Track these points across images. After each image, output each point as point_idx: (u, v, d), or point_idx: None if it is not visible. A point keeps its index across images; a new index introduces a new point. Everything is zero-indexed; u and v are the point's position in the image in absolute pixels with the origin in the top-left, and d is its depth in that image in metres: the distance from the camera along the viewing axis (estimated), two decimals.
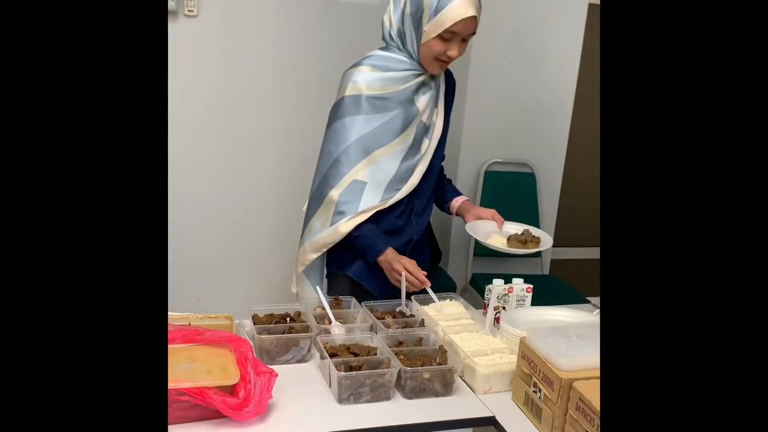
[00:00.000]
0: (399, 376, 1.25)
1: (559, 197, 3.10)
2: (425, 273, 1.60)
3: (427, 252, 1.84)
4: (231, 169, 2.74)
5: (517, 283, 1.58)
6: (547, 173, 3.03)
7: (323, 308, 1.50)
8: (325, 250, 1.67)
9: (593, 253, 3.33)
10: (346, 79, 1.62)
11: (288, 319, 1.46)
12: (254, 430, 1.12)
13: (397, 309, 1.56)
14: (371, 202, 1.62)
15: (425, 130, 1.68)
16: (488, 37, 2.72)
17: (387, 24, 1.62)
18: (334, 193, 1.61)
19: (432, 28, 1.52)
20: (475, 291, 2.82)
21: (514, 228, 1.77)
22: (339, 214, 1.62)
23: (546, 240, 1.73)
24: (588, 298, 1.80)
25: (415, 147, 1.66)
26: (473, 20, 1.52)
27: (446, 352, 1.32)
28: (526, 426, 1.21)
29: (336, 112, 1.63)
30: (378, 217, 1.65)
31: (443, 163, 1.86)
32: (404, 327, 1.45)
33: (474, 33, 1.57)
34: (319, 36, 2.64)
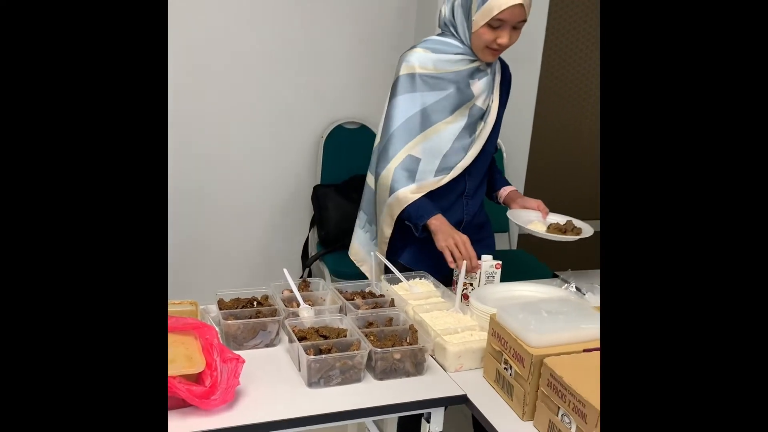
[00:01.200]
0: (369, 358, 1.24)
1: (526, 173, 3.10)
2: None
3: (489, 239, 1.87)
4: (192, 151, 2.68)
5: (486, 259, 1.57)
6: (514, 149, 3.03)
7: (291, 291, 1.47)
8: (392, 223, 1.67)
9: None
10: (401, 60, 1.67)
11: (255, 303, 1.43)
12: (222, 418, 1.10)
13: (367, 289, 1.54)
14: (427, 178, 1.64)
15: (481, 113, 1.70)
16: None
17: (442, 12, 1.66)
18: (390, 167, 1.64)
19: (480, 17, 1.55)
20: None
21: (558, 219, 1.79)
22: (396, 182, 1.63)
23: (587, 230, 1.73)
24: (556, 272, 1.80)
25: (469, 128, 1.68)
26: (520, 8, 1.53)
27: (416, 331, 1.31)
28: (497, 403, 1.21)
29: (392, 92, 1.68)
30: (429, 193, 1.66)
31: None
32: (374, 307, 1.43)
33: (524, 20, 1.58)
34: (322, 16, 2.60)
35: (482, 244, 1.79)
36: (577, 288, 1.56)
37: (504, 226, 2.99)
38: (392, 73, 2.84)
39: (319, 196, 2.85)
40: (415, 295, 1.49)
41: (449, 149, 1.66)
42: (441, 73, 1.63)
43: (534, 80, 2.99)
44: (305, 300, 1.44)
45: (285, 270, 1.53)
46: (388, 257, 1.71)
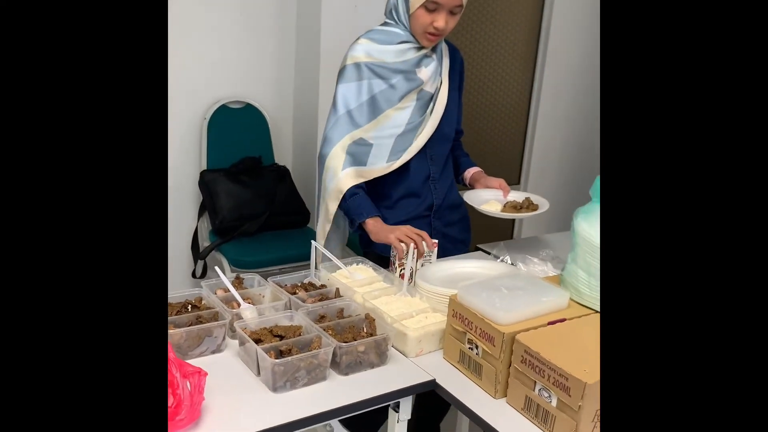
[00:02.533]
0: (333, 354, 1.18)
1: None
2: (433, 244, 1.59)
3: (465, 220, 1.86)
4: None
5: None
6: None
7: (226, 290, 1.36)
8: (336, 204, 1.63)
9: None
10: (346, 52, 1.66)
11: (190, 307, 1.31)
12: None
13: (306, 280, 1.47)
14: (376, 164, 1.63)
15: (430, 98, 1.68)
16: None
17: (388, 1, 1.67)
18: (336, 151, 1.62)
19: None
20: (352, 251, 2.78)
21: (517, 197, 1.78)
22: (338, 166, 1.62)
23: (543, 205, 1.74)
24: (479, 246, 1.83)
25: (419, 112, 1.66)
26: None
27: (374, 319, 1.26)
28: (466, 384, 1.20)
29: (338, 81, 1.66)
30: (395, 180, 1.68)
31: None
32: (321, 299, 1.37)
33: (461, 6, 1.58)
34: None
35: (458, 226, 1.81)
36: (512, 262, 1.59)
37: None
38: (277, 48, 2.74)
39: (207, 181, 2.68)
40: (359, 282, 1.44)
41: (401, 132, 1.64)
42: (388, 63, 1.62)
43: None
44: (244, 298, 1.34)
45: (217, 268, 1.41)
46: (364, 248, 1.70)
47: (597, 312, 1.23)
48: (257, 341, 1.17)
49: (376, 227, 1.58)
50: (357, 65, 1.63)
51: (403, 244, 1.50)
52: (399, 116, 1.64)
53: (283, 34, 2.84)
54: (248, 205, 2.65)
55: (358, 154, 1.62)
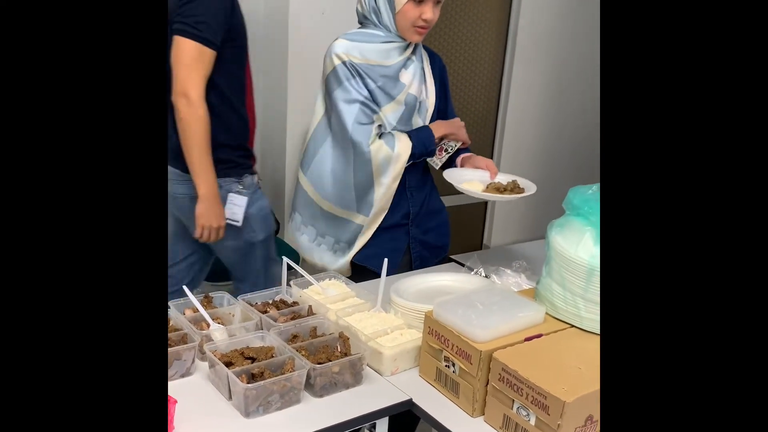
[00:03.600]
0: (308, 375, 1.15)
1: None
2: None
3: (444, 226, 1.87)
4: None
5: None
6: None
7: (194, 309, 1.32)
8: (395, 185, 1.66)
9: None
10: (326, 57, 1.62)
11: None
12: None
13: (277, 297, 1.43)
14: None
15: (414, 101, 1.67)
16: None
17: (359, 7, 1.65)
18: (376, 141, 1.61)
19: None
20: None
21: (503, 178, 1.73)
22: (390, 146, 1.61)
23: (530, 188, 1.69)
24: (452, 257, 1.82)
25: (405, 117, 1.66)
26: None
27: (348, 338, 1.23)
28: (443, 403, 1.18)
29: (330, 86, 1.62)
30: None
31: None
32: (293, 317, 1.33)
33: None
34: None
35: (435, 232, 1.81)
36: (485, 274, 1.58)
37: None
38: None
39: None
40: (332, 298, 1.41)
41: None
42: (370, 65, 1.60)
43: None
44: (213, 318, 1.30)
45: (185, 287, 1.36)
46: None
47: (573, 326, 1.22)
48: (228, 364, 1.14)
49: (442, 126, 1.68)
50: (344, 64, 1.59)
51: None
52: (390, 117, 1.65)
53: (250, 42, 2.79)
54: None
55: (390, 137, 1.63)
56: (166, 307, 0.75)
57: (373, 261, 1.67)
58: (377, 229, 1.68)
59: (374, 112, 1.61)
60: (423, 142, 1.65)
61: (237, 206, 1.84)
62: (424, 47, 1.74)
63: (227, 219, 1.83)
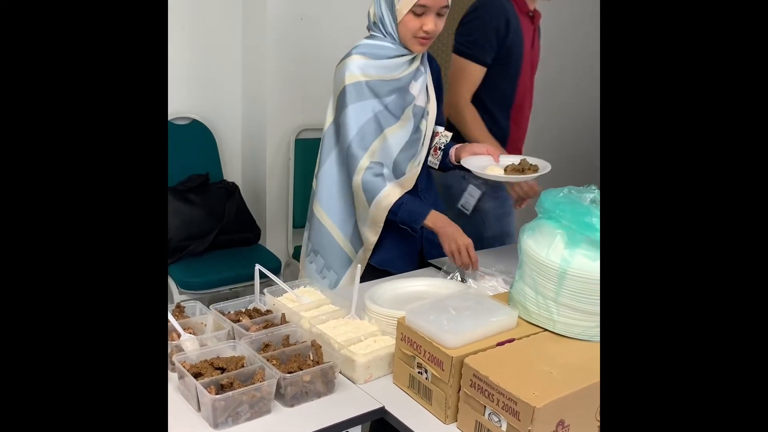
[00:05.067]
0: (278, 385, 1.13)
1: None
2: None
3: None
4: None
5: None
6: None
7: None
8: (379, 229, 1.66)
9: None
10: (342, 71, 1.63)
11: None
12: None
13: (251, 306, 1.42)
14: (397, 176, 1.67)
15: (422, 112, 1.70)
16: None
17: (371, 14, 1.67)
18: (358, 177, 1.62)
19: (404, 5, 1.56)
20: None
21: (511, 159, 1.74)
22: (371, 189, 1.62)
23: (544, 166, 1.70)
24: (430, 261, 1.81)
25: (415, 128, 1.69)
26: None
27: (320, 347, 1.22)
28: (416, 410, 1.17)
29: (341, 102, 1.64)
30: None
31: None
32: (266, 326, 1.32)
33: (447, 6, 1.59)
34: None
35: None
36: (462, 278, 1.57)
37: None
38: (224, 62, 2.70)
39: None
40: (306, 306, 1.40)
41: (398, 155, 1.67)
42: (384, 81, 1.62)
43: None
44: (185, 328, 1.29)
45: None
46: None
47: (545, 330, 1.21)
48: (197, 375, 1.12)
49: (440, 226, 1.60)
50: (358, 84, 1.61)
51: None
52: (396, 137, 1.65)
53: (228, 47, 2.78)
54: (196, 223, 2.58)
55: (380, 173, 1.62)
56: (166, 306, 0.80)
57: (391, 263, 1.71)
58: (390, 230, 1.68)
59: (380, 129, 1.64)
60: (407, 218, 1.63)
61: (472, 197, 2.03)
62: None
63: (459, 206, 2.03)
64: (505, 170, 1.70)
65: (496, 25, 1.92)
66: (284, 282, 1.46)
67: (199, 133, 2.78)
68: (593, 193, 1.21)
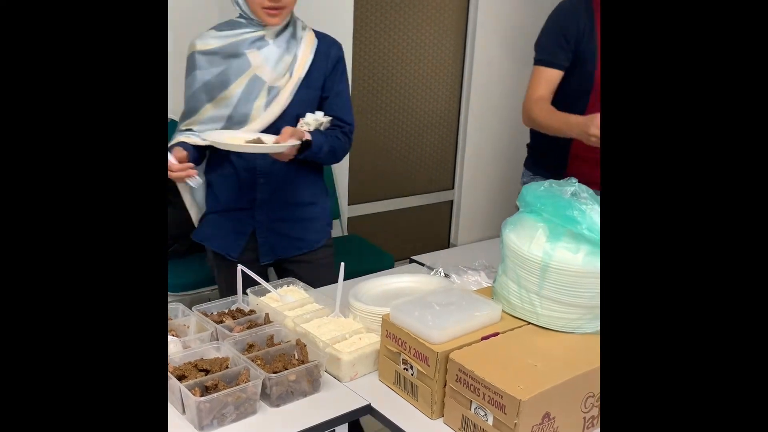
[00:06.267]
0: (263, 385, 1.13)
1: (349, 157, 3.09)
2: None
3: (311, 223, 1.84)
4: None
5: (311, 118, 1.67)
6: None
7: None
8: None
9: (384, 206, 3.42)
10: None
11: None
12: None
13: (234, 307, 1.41)
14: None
15: (264, 87, 1.65)
16: None
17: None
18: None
19: None
20: None
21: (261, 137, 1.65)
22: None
23: (268, 141, 1.61)
24: (413, 258, 1.81)
25: (246, 99, 1.65)
26: None
27: (305, 345, 1.22)
28: (402, 406, 1.17)
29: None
30: (215, 166, 1.76)
31: None
32: (249, 326, 1.31)
33: None
34: None
35: (295, 223, 1.79)
36: (445, 273, 1.58)
37: (334, 212, 2.96)
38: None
39: None
40: (290, 305, 1.39)
41: (226, 122, 1.69)
42: (216, 48, 1.64)
43: (347, 61, 2.97)
44: (168, 331, 1.27)
45: None
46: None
47: (529, 323, 1.22)
48: (181, 377, 1.11)
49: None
50: (191, 55, 1.67)
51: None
52: (224, 106, 1.66)
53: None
54: (177, 224, 2.55)
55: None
56: (166, 306, 0.80)
57: (212, 241, 1.80)
58: (219, 210, 1.75)
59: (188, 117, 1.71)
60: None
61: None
62: (320, 35, 1.72)
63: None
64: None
65: (556, 24, 1.89)
66: (267, 281, 1.45)
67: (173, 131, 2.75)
68: (573, 186, 1.21)
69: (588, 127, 1.59)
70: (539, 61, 1.90)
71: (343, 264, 1.39)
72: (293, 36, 1.68)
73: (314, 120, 1.68)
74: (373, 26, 3.14)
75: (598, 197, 1.21)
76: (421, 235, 3.61)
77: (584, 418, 1.10)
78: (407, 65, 3.29)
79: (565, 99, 1.88)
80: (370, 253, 2.78)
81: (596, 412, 1.11)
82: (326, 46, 1.73)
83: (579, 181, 1.23)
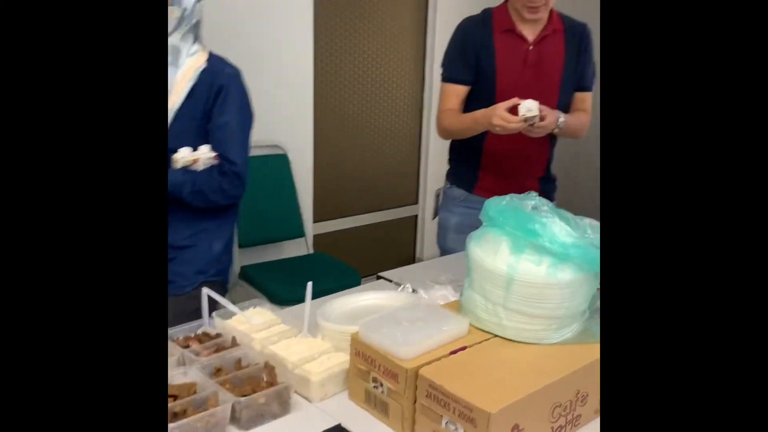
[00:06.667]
0: (233, 409, 1.12)
1: (313, 175, 3.10)
2: None
3: (185, 265, 1.76)
4: None
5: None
6: (298, 152, 3.00)
7: None
8: None
9: (350, 222, 3.43)
10: None
11: None
12: None
13: (200, 331, 1.39)
14: None
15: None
16: (218, 15, 2.56)
17: None
18: None
19: None
20: (249, 285, 2.70)
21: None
22: None
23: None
24: (380, 274, 1.82)
25: None
26: None
27: (274, 367, 1.21)
28: (373, 424, 1.17)
29: None
30: None
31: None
32: (216, 350, 1.30)
33: None
34: None
35: (179, 271, 1.72)
36: (413, 289, 1.59)
37: (299, 230, 2.95)
38: None
39: None
40: (257, 327, 1.38)
41: None
42: None
43: (309, 77, 2.98)
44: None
45: None
46: None
47: (496, 336, 1.23)
48: None
49: None
50: None
51: None
52: None
53: None
54: None
55: None
56: (166, 307, 0.79)
57: None
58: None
59: None
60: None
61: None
62: (213, 59, 1.69)
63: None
64: None
65: (455, 42, 2.05)
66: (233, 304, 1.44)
67: None
68: (534, 200, 1.24)
69: (491, 117, 1.80)
70: (445, 78, 2.05)
71: (310, 283, 1.39)
72: (174, 62, 1.60)
73: (183, 158, 1.59)
74: (333, 43, 3.16)
75: (558, 210, 1.24)
76: (387, 251, 3.62)
77: (552, 428, 1.11)
78: (368, 80, 3.32)
79: (473, 110, 1.98)
80: (337, 270, 2.78)
81: (564, 422, 1.13)
82: (213, 73, 1.66)
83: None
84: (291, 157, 2.92)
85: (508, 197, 1.26)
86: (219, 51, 2.62)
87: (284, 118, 2.90)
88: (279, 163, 2.90)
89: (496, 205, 1.26)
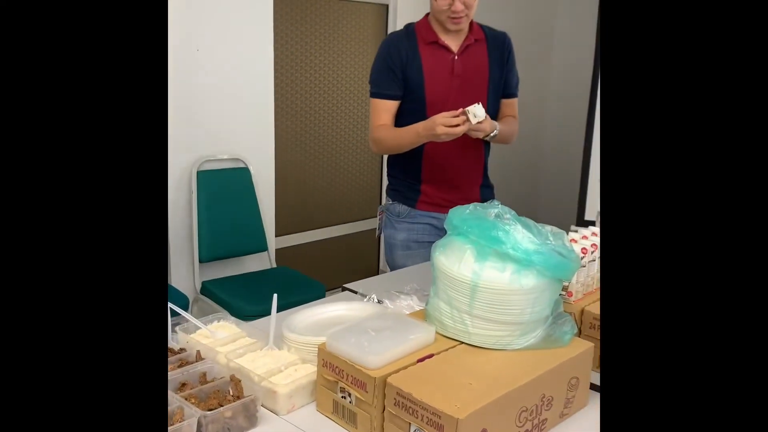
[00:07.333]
0: (199, 423, 1.10)
1: (274, 188, 3.08)
2: None
3: None
4: None
5: None
6: (260, 166, 2.98)
7: None
8: None
9: (312, 236, 3.42)
10: None
11: None
12: None
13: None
14: None
15: None
16: (183, 31, 2.54)
17: None
18: None
19: None
20: (211, 300, 2.66)
21: None
22: None
23: None
24: (345, 286, 1.82)
25: None
26: None
27: (240, 381, 1.20)
28: None
29: None
30: None
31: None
32: (181, 365, 1.27)
33: None
34: None
35: None
36: (378, 299, 1.59)
37: (262, 244, 2.93)
38: None
39: None
40: (221, 341, 1.37)
41: None
42: None
43: (269, 91, 2.98)
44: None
45: None
46: None
47: (462, 343, 1.25)
48: None
49: None
50: None
51: None
52: None
53: None
54: None
55: None
56: (167, 308, 0.81)
57: None
58: None
59: None
60: None
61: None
62: None
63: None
64: None
65: (381, 57, 2.07)
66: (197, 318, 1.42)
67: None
68: (497, 209, 1.26)
69: (432, 128, 1.86)
70: (374, 94, 2.09)
71: (276, 295, 1.38)
72: None
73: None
74: (294, 57, 3.17)
75: (521, 218, 1.27)
76: (350, 264, 3.62)
77: None
78: (329, 94, 3.33)
79: (405, 123, 2.03)
80: (301, 283, 2.76)
81: (530, 426, 1.15)
82: None
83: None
84: (253, 170, 2.90)
85: (471, 206, 1.28)
86: (182, 68, 2.61)
87: (246, 132, 2.89)
88: (241, 177, 2.88)
89: (460, 214, 1.28)
